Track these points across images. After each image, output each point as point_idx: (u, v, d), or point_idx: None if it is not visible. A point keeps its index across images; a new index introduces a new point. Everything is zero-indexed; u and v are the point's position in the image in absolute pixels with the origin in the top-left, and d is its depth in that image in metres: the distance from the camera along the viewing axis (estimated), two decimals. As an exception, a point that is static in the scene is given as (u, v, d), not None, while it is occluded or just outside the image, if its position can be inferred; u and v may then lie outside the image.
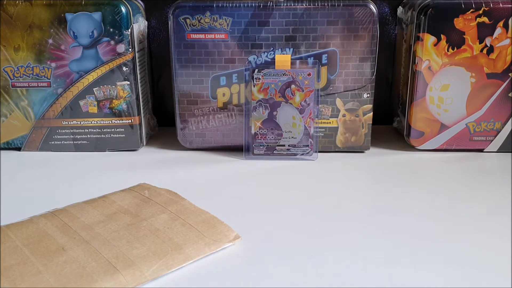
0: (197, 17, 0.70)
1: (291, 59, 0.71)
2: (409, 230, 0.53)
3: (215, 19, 0.70)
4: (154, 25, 0.87)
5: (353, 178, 0.68)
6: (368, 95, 0.73)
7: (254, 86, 0.71)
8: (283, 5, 0.70)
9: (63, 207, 0.55)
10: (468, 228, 0.53)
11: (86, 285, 0.42)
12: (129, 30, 0.72)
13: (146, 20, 0.79)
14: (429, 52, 0.71)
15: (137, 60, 0.74)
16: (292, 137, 0.73)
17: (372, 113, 0.74)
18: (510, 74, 0.72)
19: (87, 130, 0.76)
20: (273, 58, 0.71)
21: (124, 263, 0.45)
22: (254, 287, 0.43)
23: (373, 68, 0.72)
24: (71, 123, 0.76)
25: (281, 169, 0.70)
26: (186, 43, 0.71)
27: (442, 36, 0.70)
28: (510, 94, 0.73)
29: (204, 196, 0.61)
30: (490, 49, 0.70)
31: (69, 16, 0.71)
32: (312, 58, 0.71)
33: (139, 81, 0.76)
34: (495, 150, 0.76)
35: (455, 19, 0.69)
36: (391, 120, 0.87)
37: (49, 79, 0.74)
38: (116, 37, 0.72)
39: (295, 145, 0.73)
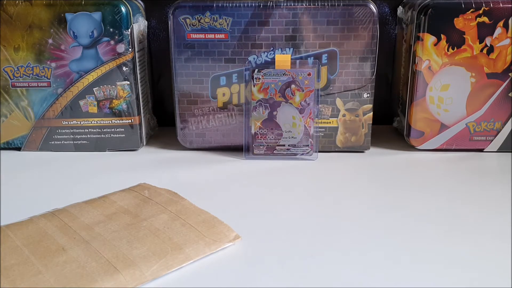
0: (197, 17, 0.70)
1: (291, 59, 0.71)
2: (409, 230, 0.53)
3: (215, 19, 0.70)
4: (154, 25, 0.87)
5: (353, 178, 0.68)
6: (368, 95, 0.73)
7: (254, 86, 0.71)
8: (283, 5, 0.70)
9: (63, 207, 0.55)
10: (468, 228, 0.53)
11: (86, 285, 0.42)
12: (129, 30, 0.72)
13: (146, 20, 0.79)
14: (429, 52, 0.71)
15: (137, 60, 0.74)
16: (292, 137, 0.73)
17: (372, 113, 0.74)
18: (510, 74, 0.72)
19: (87, 130, 0.76)
20: (273, 58, 0.71)
21: (124, 263, 0.45)
22: (254, 287, 0.43)
23: (373, 68, 0.72)
24: (71, 123, 0.76)
25: (281, 169, 0.70)
26: (186, 43, 0.71)
27: (442, 36, 0.70)
28: (510, 94, 0.73)
29: (204, 196, 0.61)
30: (490, 49, 0.70)
31: (69, 16, 0.71)
32: (312, 58, 0.71)
33: (139, 81, 0.76)
34: (495, 150, 0.76)
35: (455, 19, 0.69)
36: (391, 120, 0.87)
37: (49, 79, 0.74)
38: (116, 37, 0.72)
39: (295, 145, 0.73)
